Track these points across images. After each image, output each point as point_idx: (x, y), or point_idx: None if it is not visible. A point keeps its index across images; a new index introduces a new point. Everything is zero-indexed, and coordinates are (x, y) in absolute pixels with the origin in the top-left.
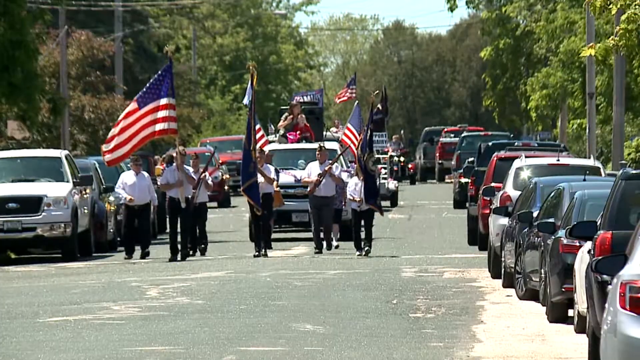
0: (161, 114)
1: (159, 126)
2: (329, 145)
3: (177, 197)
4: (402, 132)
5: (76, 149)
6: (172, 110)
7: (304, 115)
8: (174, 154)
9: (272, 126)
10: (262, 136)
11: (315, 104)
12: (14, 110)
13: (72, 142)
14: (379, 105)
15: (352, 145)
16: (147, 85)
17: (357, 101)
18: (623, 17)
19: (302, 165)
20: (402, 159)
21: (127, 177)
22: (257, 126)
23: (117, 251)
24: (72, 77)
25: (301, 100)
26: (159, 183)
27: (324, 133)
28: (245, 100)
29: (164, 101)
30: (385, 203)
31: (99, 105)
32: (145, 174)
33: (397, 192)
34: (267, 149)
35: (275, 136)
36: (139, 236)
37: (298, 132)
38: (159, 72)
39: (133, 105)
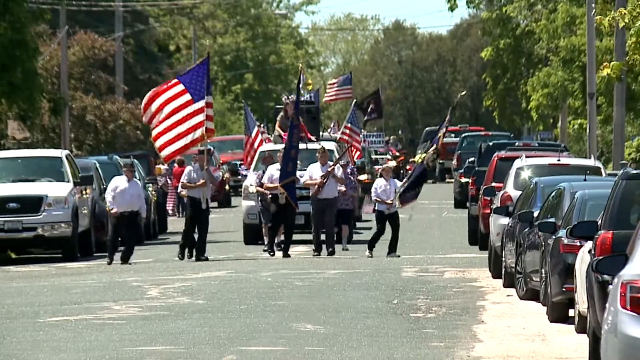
0: (201, 115)
1: (200, 128)
2: (326, 145)
3: (198, 197)
4: (400, 132)
5: (81, 149)
6: (210, 108)
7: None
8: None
9: (266, 126)
10: (258, 133)
11: (311, 104)
12: (14, 110)
13: (76, 144)
14: (372, 106)
15: (354, 145)
16: (191, 73)
17: (354, 100)
18: (632, 31)
19: (297, 165)
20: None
21: (119, 183)
22: (258, 124)
23: (117, 251)
24: (74, 77)
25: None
26: (182, 181)
27: (321, 133)
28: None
29: (207, 100)
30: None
31: (100, 107)
32: (138, 182)
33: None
34: (262, 149)
35: (271, 136)
36: (124, 243)
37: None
38: (199, 65)
39: (180, 87)
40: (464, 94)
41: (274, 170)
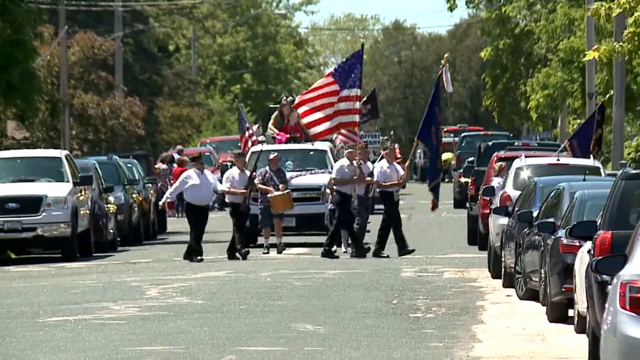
0: (346, 105)
1: (344, 118)
2: (319, 145)
3: (350, 193)
4: (392, 133)
5: (82, 147)
6: (358, 102)
7: (296, 114)
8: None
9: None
10: (252, 135)
11: None
12: (12, 110)
13: (78, 142)
14: (366, 107)
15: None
16: (343, 65)
17: None
18: (630, 20)
19: (290, 166)
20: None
21: (193, 178)
22: (250, 125)
23: (117, 251)
24: (74, 77)
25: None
26: (333, 177)
27: None
28: (449, 89)
29: (354, 92)
30: (380, 206)
31: (100, 104)
32: (208, 172)
33: None
34: (254, 149)
35: (264, 136)
36: (196, 238)
37: (289, 133)
38: (352, 56)
39: (329, 79)
40: (610, 95)
41: (385, 167)
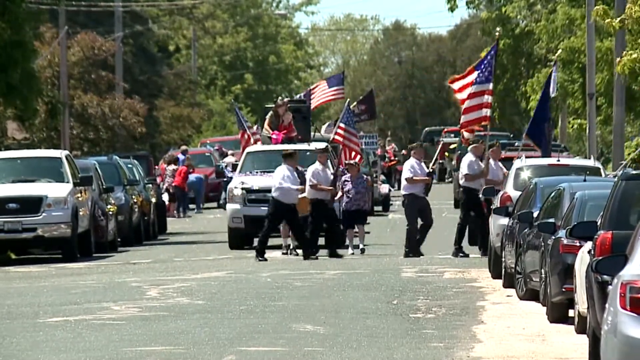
0: (485, 99)
1: (485, 111)
2: (317, 146)
3: (476, 188)
4: (389, 134)
5: (82, 148)
6: (490, 96)
7: (291, 115)
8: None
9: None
10: (251, 135)
11: (302, 103)
12: (12, 111)
13: (78, 141)
14: (362, 107)
15: (351, 145)
16: (483, 61)
17: (348, 100)
18: None
19: None
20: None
21: (281, 171)
22: (249, 125)
23: (117, 252)
24: (74, 77)
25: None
26: (464, 173)
27: (313, 133)
28: (552, 93)
29: (488, 87)
30: (378, 207)
31: (99, 104)
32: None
33: (390, 196)
34: (250, 150)
35: (260, 136)
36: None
37: (284, 132)
38: (491, 52)
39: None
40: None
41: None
